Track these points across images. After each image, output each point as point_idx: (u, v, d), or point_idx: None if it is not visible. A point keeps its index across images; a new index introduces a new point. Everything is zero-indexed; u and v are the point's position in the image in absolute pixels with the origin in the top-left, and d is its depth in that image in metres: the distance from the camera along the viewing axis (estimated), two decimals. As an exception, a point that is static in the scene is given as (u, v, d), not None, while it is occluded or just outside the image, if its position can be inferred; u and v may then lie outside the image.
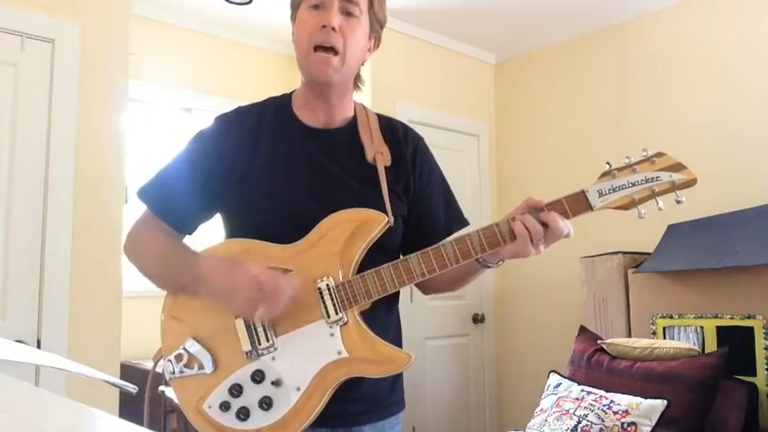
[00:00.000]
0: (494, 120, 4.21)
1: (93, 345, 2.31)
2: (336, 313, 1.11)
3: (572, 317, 3.41)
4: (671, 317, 2.84)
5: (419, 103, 3.73)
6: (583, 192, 1.10)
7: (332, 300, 1.11)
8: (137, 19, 3.03)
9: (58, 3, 2.34)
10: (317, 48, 1.18)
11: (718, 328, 2.69)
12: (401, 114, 3.39)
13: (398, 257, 1.15)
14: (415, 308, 3.45)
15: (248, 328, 1.13)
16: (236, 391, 1.11)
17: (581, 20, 3.61)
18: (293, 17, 1.25)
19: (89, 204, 2.35)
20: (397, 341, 1.27)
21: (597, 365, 2.64)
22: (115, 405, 2.34)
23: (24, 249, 2.21)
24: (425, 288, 1.31)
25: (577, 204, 1.10)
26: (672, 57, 3.35)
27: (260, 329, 1.13)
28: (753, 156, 3.01)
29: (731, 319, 2.66)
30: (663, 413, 2.23)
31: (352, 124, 1.28)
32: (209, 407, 1.12)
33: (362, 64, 1.27)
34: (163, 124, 3.47)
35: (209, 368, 1.13)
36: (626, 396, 2.34)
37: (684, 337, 2.77)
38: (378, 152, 1.24)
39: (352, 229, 1.13)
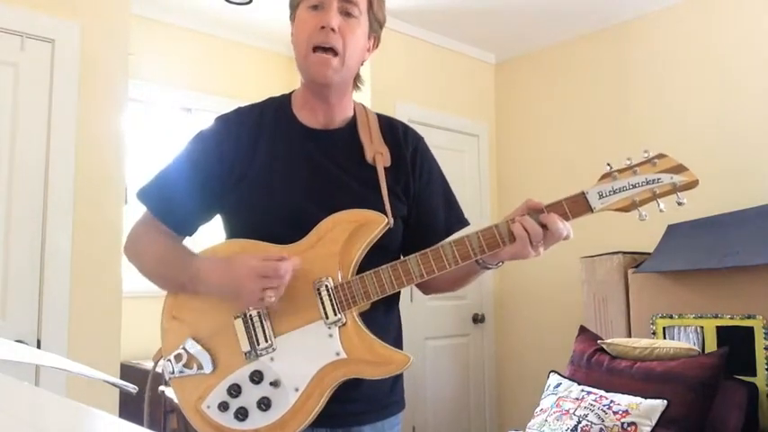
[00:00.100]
0: (494, 120, 4.21)
1: (93, 345, 2.31)
2: (335, 314, 1.11)
3: (572, 317, 3.41)
4: (671, 317, 2.84)
5: (419, 103, 3.73)
6: (583, 193, 1.10)
7: (330, 301, 1.11)
8: (137, 19, 3.03)
9: (58, 3, 2.34)
10: (316, 48, 1.17)
11: (718, 328, 2.69)
12: (401, 114, 3.39)
13: (399, 258, 1.15)
14: (415, 308, 3.45)
15: (247, 328, 1.13)
16: (235, 391, 1.11)
17: (581, 20, 3.61)
18: (292, 17, 1.25)
19: (89, 204, 2.35)
20: (398, 342, 1.27)
21: (597, 365, 2.64)
22: (115, 405, 2.34)
23: (24, 249, 2.21)
24: (426, 288, 1.31)
25: (577, 206, 1.09)
26: (672, 57, 3.35)
27: (259, 330, 1.13)
28: (753, 156, 3.01)
29: (731, 319, 2.66)
30: (663, 413, 2.23)
31: (352, 124, 1.27)
32: (208, 407, 1.12)
33: (362, 64, 1.27)
34: (163, 124, 3.47)
35: (208, 368, 1.13)
36: (626, 396, 2.34)
37: (684, 337, 2.77)
38: (377, 152, 1.23)
39: (351, 230, 1.13)
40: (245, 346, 1.12)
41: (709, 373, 2.36)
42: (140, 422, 0.76)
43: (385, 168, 1.23)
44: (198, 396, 1.13)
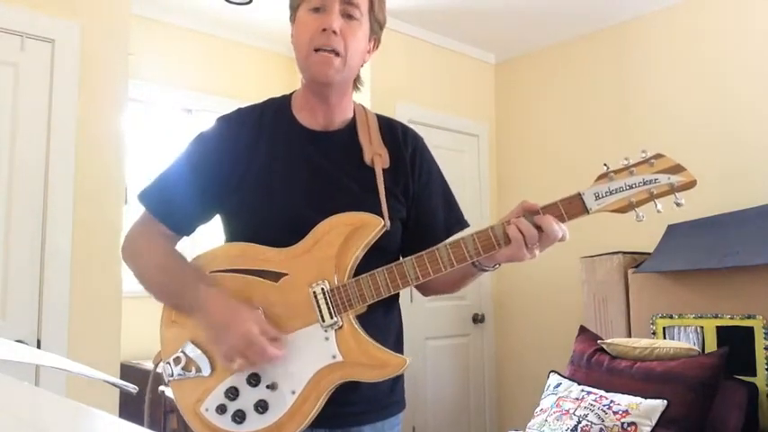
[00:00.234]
0: (494, 120, 4.21)
1: (93, 345, 2.31)
2: (331, 317, 1.11)
3: (572, 317, 3.41)
4: (671, 317, 2.84)
5: (419, 103, 3.73)
6: (579, 194, 1.09)
7: (327, 304, 1.11)
8: (137, 19, 3.03)
9: (58, 3, 2.34)
10: (318, 50, 1.17)
11: (718, 328, 2.69)
12: (401, 115, 3.39)
13: (398, 259, 1.15)
14: (415, 308, 3.45)
15: None
16: (233, 394, 1.11)
17: (581, 20, 3.61)
18: (292, 18, 1.24)
19: (89, 204, 2.35)
20: (398, 343, 1.26)
21: (597, 365, 2.64)
22: (115, 405, 2.34)
23: (24, 249, 2.21)
24: (424, 290, 1.30)
25: (573, 207, 1.08)
26: (671, 57, 3.35)
27: None
28: (753, 156, 3.01)
29: (731, 319, 2.66)
30: (663, 413, 2.23)
31: (351, 126, 1.27)
32: (206, 409, 1.12)
33: (362, 65, 1.27)
34: (163, 124, 3.47)
35: (206, 371, 1.13)
36: (626, 396, 2.34)
37: (684, 337, 2.77)
38: (376, 154, 1.23)
39: (347, 233, 1.13)
40: None
41: (709, 373, 2.36)
42: (140, 422, 0.76)
43: (384, 170, 1.22)
44: (196, 399, 1.14)
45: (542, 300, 3.82)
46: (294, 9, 1.23)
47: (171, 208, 1.22)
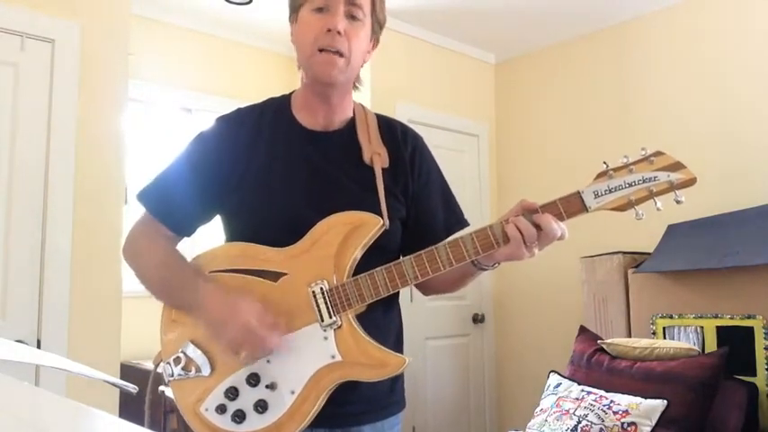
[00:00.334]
0: (494, 120, 4.21)
1: (93, 345, 2.31)
2: (330, 317, 1.11)
3: (572, 317, 3.41)
4: (671, 317, 2.84)
5: (419, 103, 3.73)
6: (578, 193, 1.08)
7: (326, 303, 1.11)
8: (137, 19, 3.03)
9: (58, 3, 2.34)
10: (323, 50, 1.17)
11: (718, 328, 2.69)
12: (401, 115, 3.39)
13: (399, 258, 1.15)
14: (415, 308, 3.45)
15: None
16: (232, 394, 1.12)
17: (580, 20, 3.61)
18: (293, 19, 1.24)
19: (89, 205, 2.35)
20: (398, 342, 1.26)
21: (597, 365, 2.64)
22: (115, 405, 2.34)
23: (24, 249, 2.21)
24: (424, 289, 1.30)
25: (572, 206, 1.08)
26: (671, 57, 3.35)
27: None
28: (753, 156, 3.01)
29: (731, 319, 2.66)
30: (663, 413, 2.22)
31: (351, 125, 1.27)
32: (206, 409, 1.13)
33: (363, 65, 1.27)
34: (163, 124, 3.47)
35: (206, 371, 1.14)
36: (626, 396, 2.34)
37: (684, 337, 2.77)
38: (375, 153, 1.23)
39: (346, 233, 1.13)
40: None
41: (709, 373, 2.36)
42: (141, 422, 0.76)
43: (383, 169, 1.22)
44: (196, 399, 1.14)
45: (542, 300, 3.82)
46: (295, 9, 1.23)
47: (170, 207, 1.22)
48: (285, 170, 1.21)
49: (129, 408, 2.34)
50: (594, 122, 3.66)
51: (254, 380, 1.11)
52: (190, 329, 1.16)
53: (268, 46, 3.85)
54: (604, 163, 1.10)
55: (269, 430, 1.09)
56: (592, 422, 2.29)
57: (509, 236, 1.07)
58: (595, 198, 1.08)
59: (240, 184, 1.20)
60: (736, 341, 2.60)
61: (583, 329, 2.95)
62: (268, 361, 1.12)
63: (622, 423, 2.24)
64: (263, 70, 3.83)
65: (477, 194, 4.01)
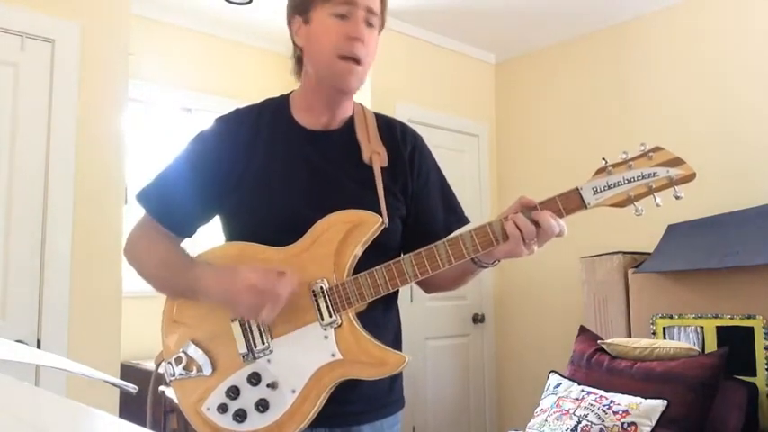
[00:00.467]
0: (494, 120, 4.21)
1: (93, 345, 2.31)
2: (330, 316, 1.11)
3: (572, 317, 3.41)
4: (671, 317, 2.84)
5: (419, 103, 3.73)
6: (577, 189, 1.08)
7: (326, 302, 1.11)
8: (137, 19, 3.03)
9: (58, 3, 2.34)
10: (344, 58, 1.17)
11: (718, 328, 2.69)
12: (401, 115, 3.39)
13: (399, 257, 1.15)
14: (415, 308, 3.45)
15: (244, 330, 1.13)
16: (233, 393, 1.12)
17: (580, 20, 3.61)
18: (304, 19, 1.22)
19: (89, 205, 2.35)
20: (397, 340, 1.27)
21: (597, 365, 2.64)
22: (115, 405, 2.34)
23: (24, 250, 2.21)
24: (425, 286, 1.31)
25: (571, 202, 1.08)
26: (671, 57, 3.35)
27: (255, 332, 1.13)
28: (753, 156, 3.01)
29: (731, 319, 2.66)
30: (663, 413, 2.23)
31: (350, 125, 1.27)
32: (208, 409, 1.13)
33: None
34: (163, 124, 3.47)
35: (207, 371, 1.14)
36: (626, 396, 2.34)
37: (684, 337, 2.77)
38: (374, 152, 1.23)
39: (345, 231, 1.13)
40: (242, 349, 1.13)
41: (709, 373, 2.36)
42: (141, 422, 0.76)
43: (382, 168, 1.22)
44: (198, 398, 1.14)
45: (542, 300, 3.82)
46: (306, 10, 1.21)
47: (170, 208, 1.22)
48: (284, 170, 1.21)
49: (129, 408, 2.34)
50: (594, 122, 3.66)
51: (255, 379, 1.12)
52: (191, 329, 1.17)
53: (268, 46, 3.85)
54: (603, 159, 1.09)
55: (270, 429, 1.10)
56: (592, 422, 2.29)
57: (508, 233, 1.07)
58: (594, 194, 1.08)
59: (239, 183, 1.20)
60: (736, 341, 2.60)
61: (583, 329, 2.95)
62: (269, 361, 1.12)
63: (622, 423, 2.24)
64: (263, 70, 3.83)
65: (477, 194, 4.01)
